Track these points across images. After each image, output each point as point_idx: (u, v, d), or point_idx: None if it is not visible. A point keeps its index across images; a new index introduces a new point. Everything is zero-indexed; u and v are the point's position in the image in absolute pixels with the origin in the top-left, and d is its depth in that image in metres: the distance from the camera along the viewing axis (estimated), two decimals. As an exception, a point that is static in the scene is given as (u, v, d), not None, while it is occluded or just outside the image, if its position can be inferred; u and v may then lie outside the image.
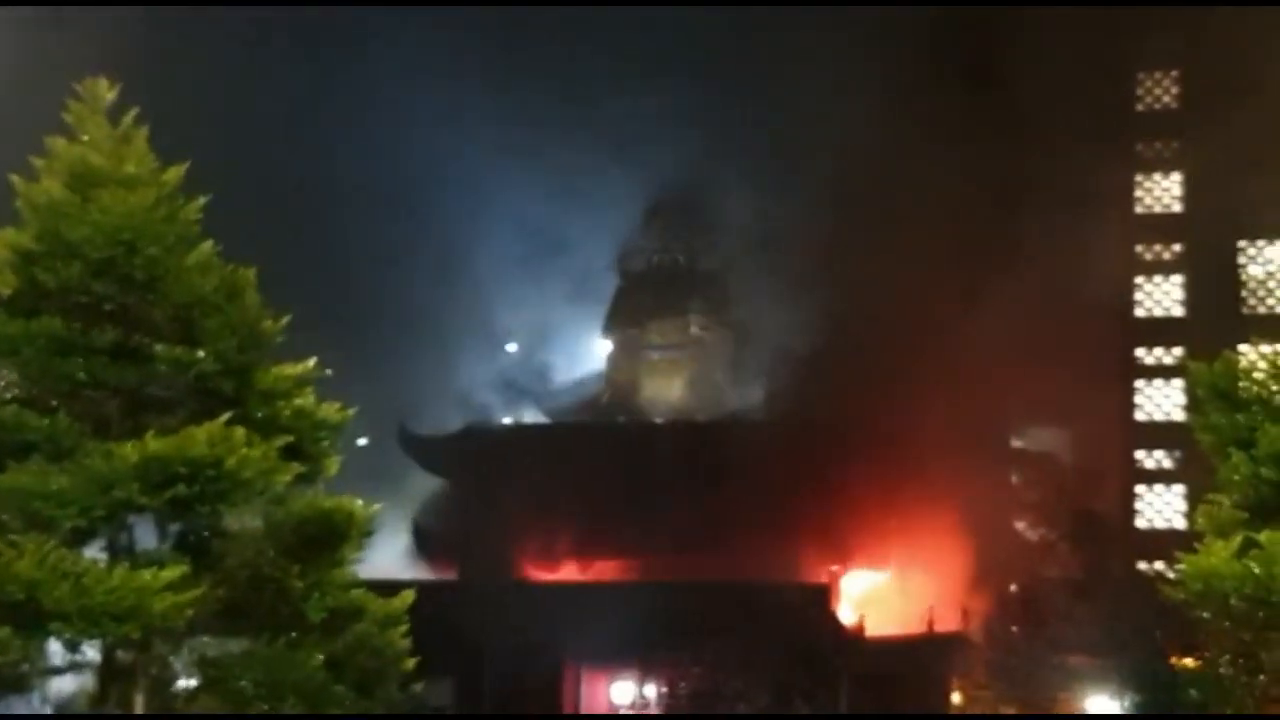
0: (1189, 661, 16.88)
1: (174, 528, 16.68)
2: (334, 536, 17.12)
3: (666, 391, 79.59)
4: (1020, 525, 65.21)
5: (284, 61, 75.16)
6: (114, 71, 17.65)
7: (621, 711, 57.03)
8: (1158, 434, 68.62)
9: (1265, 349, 16.72)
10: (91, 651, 16.04)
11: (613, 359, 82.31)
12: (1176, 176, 71.42)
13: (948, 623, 55.67)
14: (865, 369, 66.05)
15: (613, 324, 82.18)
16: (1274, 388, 15.50)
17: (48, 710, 16.70)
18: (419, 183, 77.60)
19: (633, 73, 74.21)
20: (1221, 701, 15.64)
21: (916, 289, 65.16)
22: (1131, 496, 68.61)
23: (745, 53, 75.48)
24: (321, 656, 16.67)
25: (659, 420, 77.44)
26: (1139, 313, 71.19)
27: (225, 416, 16.36)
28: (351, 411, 17.72)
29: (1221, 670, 15.57)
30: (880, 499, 62.39)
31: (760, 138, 74.87)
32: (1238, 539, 15.09)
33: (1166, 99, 72.56)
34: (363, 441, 62.45)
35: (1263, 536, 14.86)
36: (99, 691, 16.35)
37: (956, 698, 55.80)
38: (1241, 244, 69.61)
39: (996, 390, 66.99)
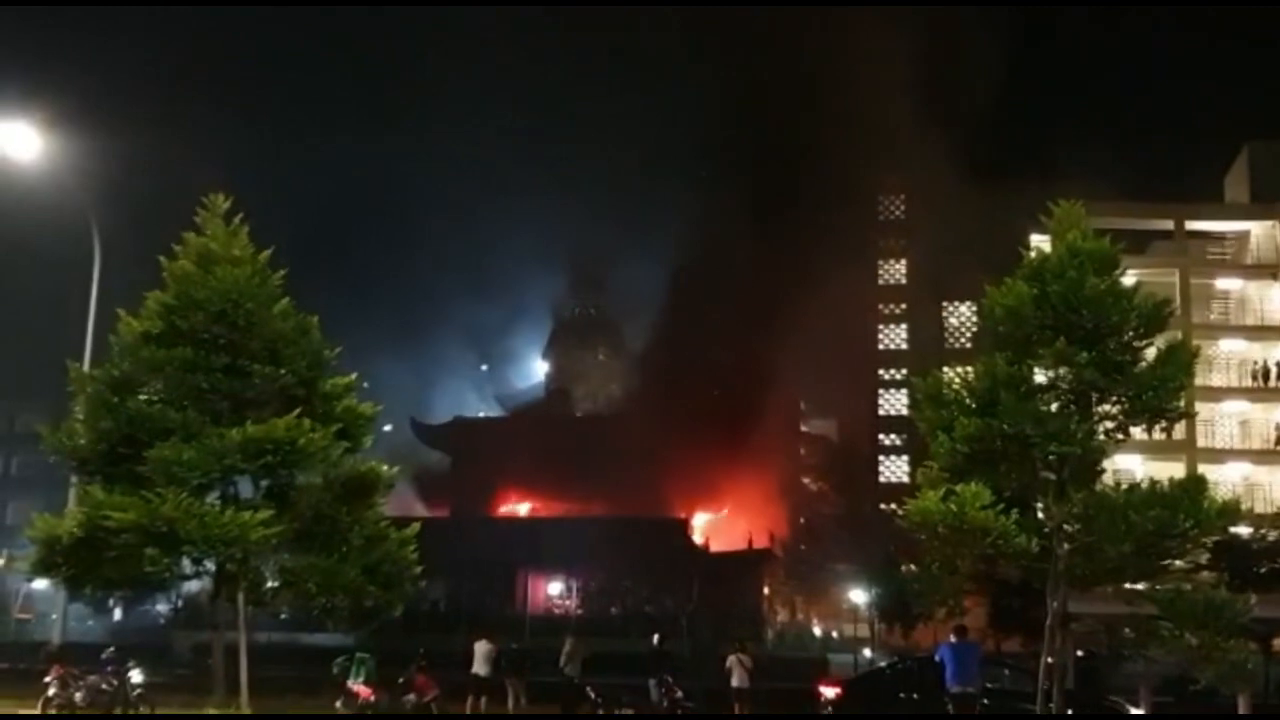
0: (914, 567, 17.01)
1: (264, 483, 16.46)
2: (368, 489, 16.90)
3: (584, 396, 79.13)
4: (806, 481, 65.40)
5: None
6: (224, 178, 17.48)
7: (555, 601, 55.40)
8: (892, 424, 68.88)
9: (958, 370, 16.98)
10: (210, 565, 15.80)
11: (549, 374, 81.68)
12: (903, 262, 71.74)
13: (762, 543, 55.07)
14: (714, 385, 66.75)
15: (550, 352, 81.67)
16: (964, 394, 15.80)
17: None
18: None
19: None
20: (932, 589, 15.67)
21: (744, 334, 65.18)
22: (876, 463, 68.67)
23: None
24: (360, 567, 16.51)
25: (579, 414, 77.19)
26: (881, 346, 71.58)
27: (298, 411, 16.17)
28: (380, 408, 17.60)
29: (933, 571, 15.71)
30: (719, 465, 62.17)
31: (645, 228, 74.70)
32: (942, 490, 15.30)
33: (897, 212, 72.84)
34: (388, 428, 62.27)
35: (959, 488, 15.07)
36: (214, 591, 16.12)
37: (765, 590, 56.02)
38: (944, 304, 69.57)
39: (793, 394, 67.68)
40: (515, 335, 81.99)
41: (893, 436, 69.30)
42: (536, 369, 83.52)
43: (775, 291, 63.89)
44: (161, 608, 47.02)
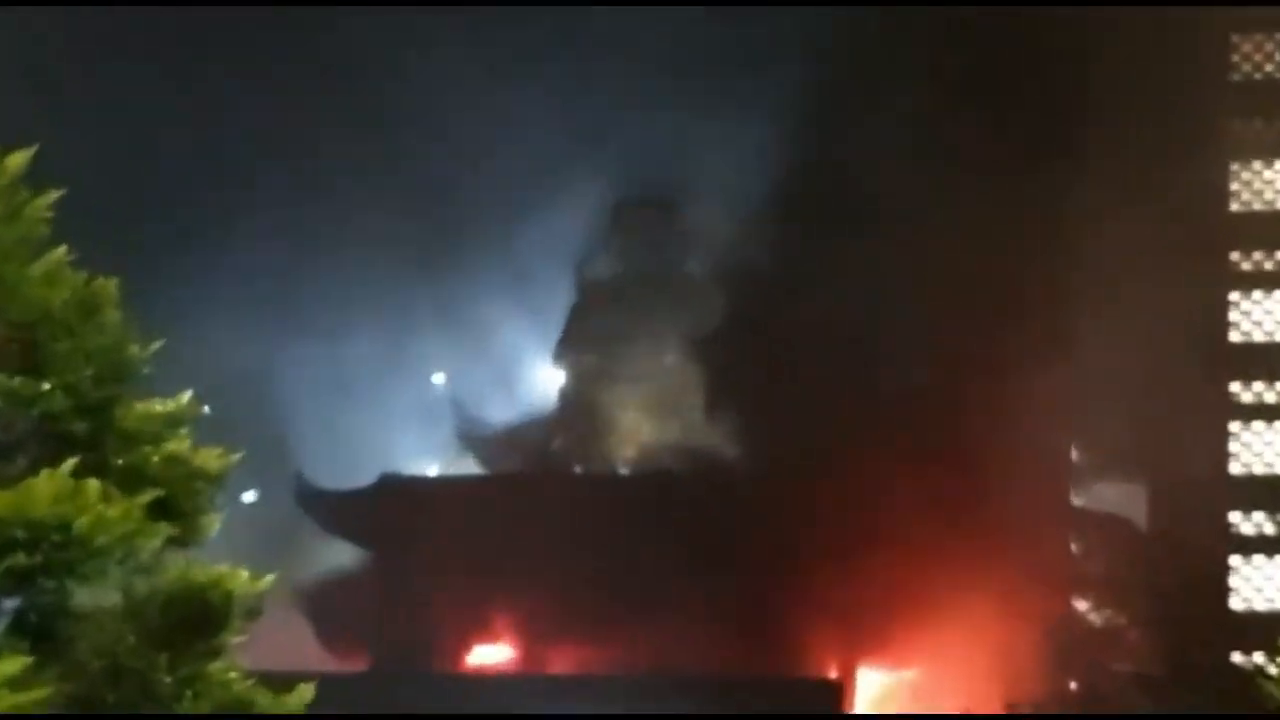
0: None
1: (9, 604, 16.68)
2: (212, 617, 17.03)
3: (635, 434, 79.64)
4: (1082, 606, 66.48)
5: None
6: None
7: None
8: (1259, 490, 68.57)
9: None
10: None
11: (567, 393, 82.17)
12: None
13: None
14: (885, 408, 67.29)
15: (567, 349, 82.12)
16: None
17: None
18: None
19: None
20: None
21: (952, 312, 66.73)
22: (1225, 570, 67.93)
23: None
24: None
25: (625, 471, 77.98)
26: (1234, 337, 70.86)
27: (72, 465, 16.29)
28: (235, 457, 17.74)
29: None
30: (904, 572, 62.69)
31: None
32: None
33: (1269, 67, 72.46)
34: (249, 497, 62.62)
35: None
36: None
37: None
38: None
39: (1053, 436, 68.52)
40: (498, 318, 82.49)
41: (1258, 517, 68.45)
42: (543, 383, 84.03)
43: (1015, 241, 65.12)
44: None
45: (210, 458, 17.47)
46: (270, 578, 17.16)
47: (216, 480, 17.57)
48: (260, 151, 76.45)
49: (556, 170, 75.98)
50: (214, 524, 17.44)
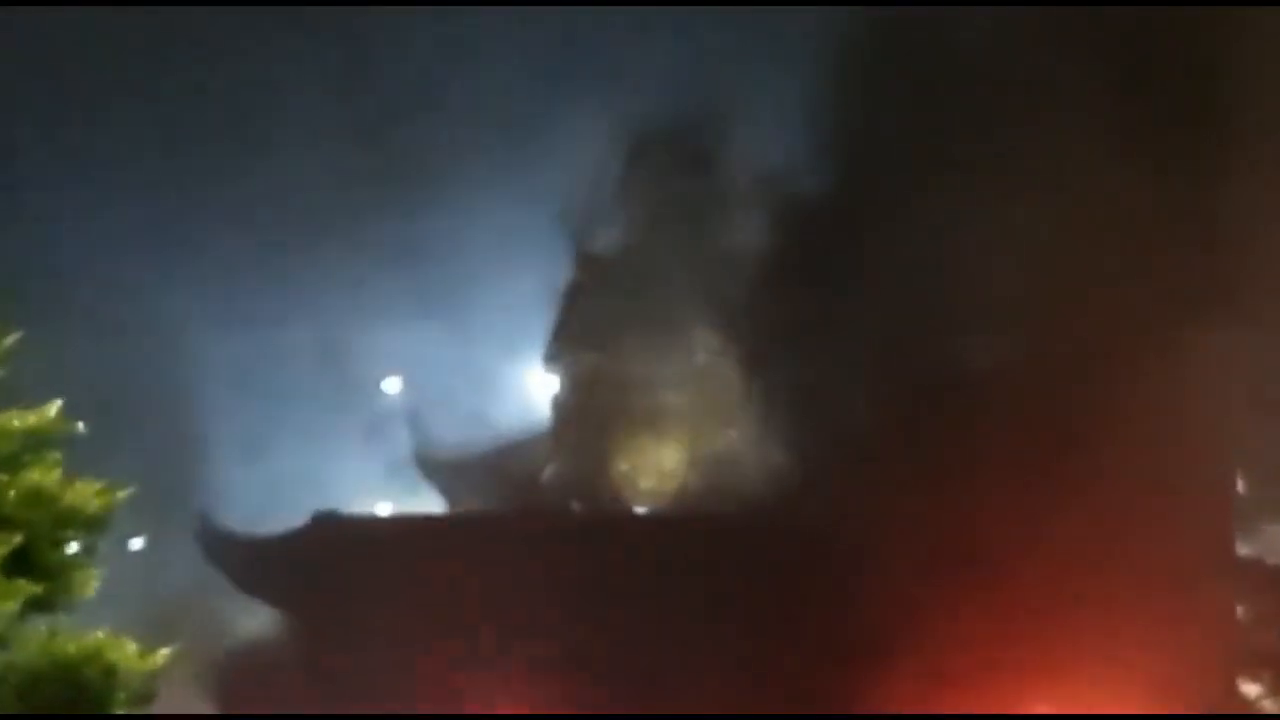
0: None
1: None
2: (88, 700, 17.11)
3: (655, 460, 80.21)
4: (1250, 690, 67.74)
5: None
6: None
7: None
8: None
9: None
10: None
11: (562, 404, 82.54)
12: None
13: None
14: (988, 430, 68.10)
15: (562, 345, 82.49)
16: None
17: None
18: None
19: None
20: None
21: (1086, 303, 68.29)
22: None
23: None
24: None
25: (641, 510, 79.00)
26: None
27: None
28: (122, 494, 17.69)
29: None
30: (1017, 637, 64.14)
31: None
32: None
33: None
34: (138, 544, 62.75)
35: None
36: None
37: None
38: None
39: (1211, 464, 70.25)
40: (469, 305, 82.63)
41: None
42: (528, 390, 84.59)
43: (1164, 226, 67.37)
44: None
45: (86, 493, 17.42)
46: (165, 651, 17.18)
47: (95, 523, 17.48)
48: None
49: (548, 106, 76.09)
50: (90, 581, 17.31)
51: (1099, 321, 66.43)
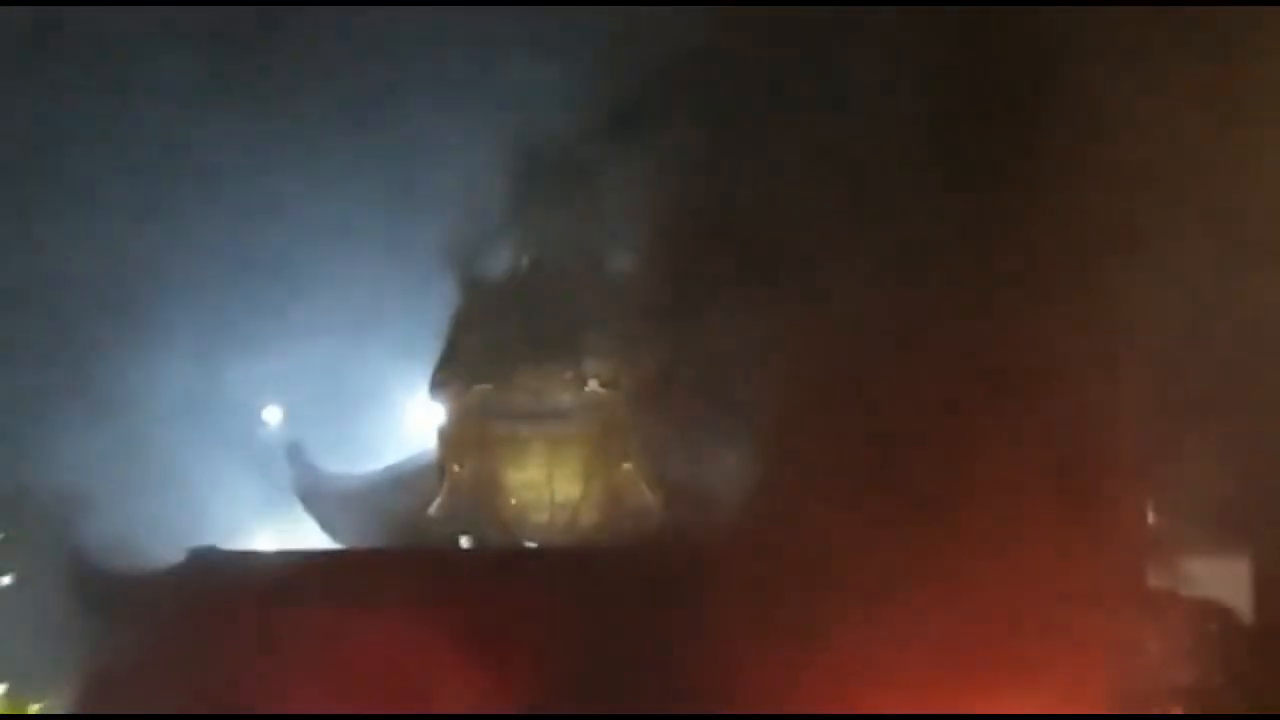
0: None
1: None
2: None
3: (544, 494, 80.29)
4: None
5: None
6: None
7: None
8: None
9: None
10: None
11: (449, 435, 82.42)
12: None
13: None
14: (891, 457, 65.38)
15: (448, 374, 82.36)
16: None
17: None
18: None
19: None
20: None
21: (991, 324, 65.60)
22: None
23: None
24: None
25: (531, 544, 78.07)
26: None
27: None
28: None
29: None
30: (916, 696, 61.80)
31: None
32: None
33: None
34: (4, 581, 61.37)
35: None
36: None
37: None
38: None
39: (1121, 489, 67.36)
40: (351, 332, 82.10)
41: None
42: (414, 420, 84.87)
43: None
44: None
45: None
46: (37, 708, 15.87)
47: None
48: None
49: (433, 113, 75.98)
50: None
51: (1001, 347, 66.49)
